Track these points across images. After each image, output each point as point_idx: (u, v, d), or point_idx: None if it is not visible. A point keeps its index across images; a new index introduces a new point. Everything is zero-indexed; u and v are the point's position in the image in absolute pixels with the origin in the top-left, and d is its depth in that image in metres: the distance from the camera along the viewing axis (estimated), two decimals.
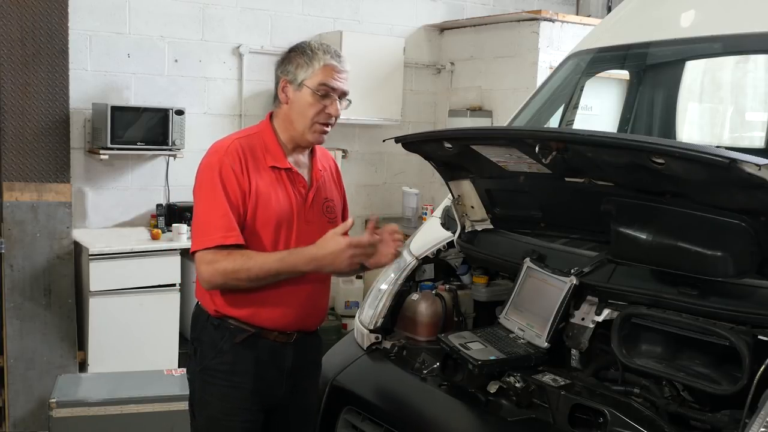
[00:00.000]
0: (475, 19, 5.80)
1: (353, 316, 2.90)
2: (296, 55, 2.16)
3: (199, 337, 2.23)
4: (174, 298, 4.35)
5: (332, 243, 2.02)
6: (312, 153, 2.28)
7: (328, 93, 2.12)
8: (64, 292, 4.26)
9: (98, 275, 4.14)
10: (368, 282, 2.81)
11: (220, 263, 2.05)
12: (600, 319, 2.10)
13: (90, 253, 4.14)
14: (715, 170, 1.69)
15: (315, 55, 2.13)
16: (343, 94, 2.15)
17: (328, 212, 2.25)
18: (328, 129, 2.17)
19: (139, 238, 4.50)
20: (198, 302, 2.25)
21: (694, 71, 3.83)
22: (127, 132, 4.42)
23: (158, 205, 4.74)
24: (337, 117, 2.16)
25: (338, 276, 2.14)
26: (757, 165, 1.60)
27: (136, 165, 4.85)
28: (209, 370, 2.20)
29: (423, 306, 2.57)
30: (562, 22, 5.22)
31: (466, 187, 2.56)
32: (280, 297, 2.13)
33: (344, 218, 2.38)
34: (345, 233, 2.04)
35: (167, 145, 4.55)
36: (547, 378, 2.08)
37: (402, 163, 5.89)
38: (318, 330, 2.35)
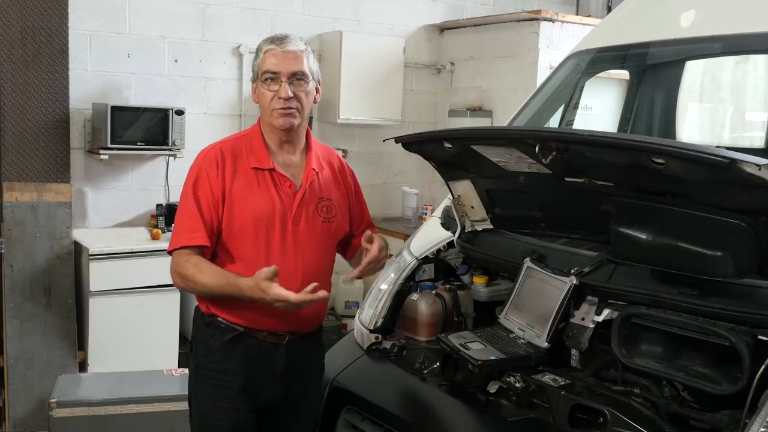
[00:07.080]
0: (475, 19, 5.79)
1: (353, 316, 2.89)
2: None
3: (194, 335, 2.25)
4: (174, 298, 4.34)
5: (258, 291, 1.96)
6: (307, 152, 2.26)
7: (274, 78, 2.12)
8: (64, 292, 4.26)
9: (98, 275, 4.14)
10: (368, 282, 2.81)
11: (179, 267, 2.09)
12: (600, 319, 2.10)
13: (90, 253, 4.14)
14: (715, 170, 1.69)
15: (260, 48, 2.17)
16: (292, 75, 2.12)
17: (323, 212, 2.23)
18: (291, 111, 2.13)
19: (139, 238, 4.50)
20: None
21: (694, 71, 3.83)
22: (127, 132, 4.42)
23: (158, 205, 4.74)
24: (297, 98, 2.12)
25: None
26: (757, 165, 1.60)
27: (136, 165, 4.85)
28: (200, 368, 2.21)
29: (423, 306, 2.57)
30: (562, 22, 5.21)
31: (466, 187, 2.56)
32: None
33: (357, 218, 2.38)
34: (274, 278, 1.95)
35: (167, 145, 4.55)
36: (547, 378, 2.08)
37: (402, 163, 5.88)
38: (318, 334, 2.33)
